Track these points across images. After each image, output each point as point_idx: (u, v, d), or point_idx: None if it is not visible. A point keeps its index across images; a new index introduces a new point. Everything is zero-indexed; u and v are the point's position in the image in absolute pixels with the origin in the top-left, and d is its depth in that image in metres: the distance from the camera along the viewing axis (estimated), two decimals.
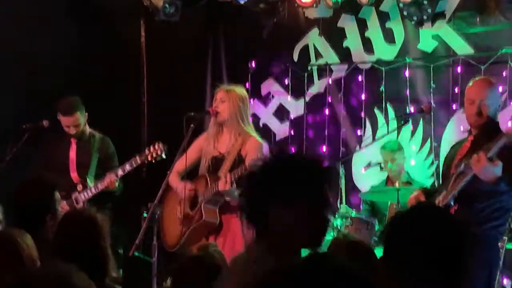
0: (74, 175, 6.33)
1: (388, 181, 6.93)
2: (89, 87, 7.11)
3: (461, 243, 2.62)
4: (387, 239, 2.66)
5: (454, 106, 7.09)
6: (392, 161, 6.84)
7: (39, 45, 7.14)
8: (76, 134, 6.36)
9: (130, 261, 5.95)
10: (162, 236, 5.93)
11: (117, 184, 6.22)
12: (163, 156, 5.96)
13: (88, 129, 6.44)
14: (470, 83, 5.14)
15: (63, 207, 6.08)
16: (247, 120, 5.79)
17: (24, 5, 7.21)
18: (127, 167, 6.12)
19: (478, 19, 7.04)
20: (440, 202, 4.94)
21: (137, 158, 6.09)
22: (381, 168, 7.32)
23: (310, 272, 1.77)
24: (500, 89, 6.82)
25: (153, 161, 6.04)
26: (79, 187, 6.24)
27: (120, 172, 6.15)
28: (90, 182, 6.25)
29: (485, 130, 4.99)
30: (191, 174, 5.92)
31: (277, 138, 7.78)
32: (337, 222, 6.28)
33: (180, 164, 5.81)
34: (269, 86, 7.91)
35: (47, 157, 6.40)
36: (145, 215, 5.92)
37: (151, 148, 6.05)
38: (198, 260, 3.69)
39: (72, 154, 6.37)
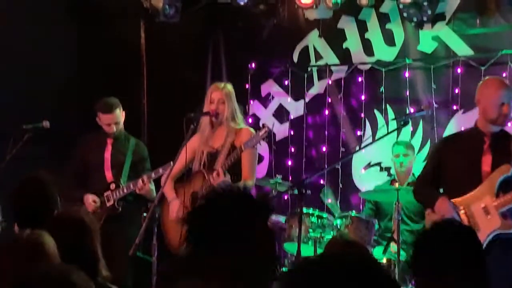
0: (108, 175, 6.44)
1: (393, 181, 6.90)
2: (89, 88, 7.12)
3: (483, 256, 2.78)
4: (415, 258, 2.76)
5: (454, 107, 7.10)
6: (405, 155, 6.83)
7: (39, 45, 7.14)
8: (116, 132, 6.44)
9: (130, 260, 5.96)
10: (166, 239, 5.93)
11: (152, 187, 6.31)
12: None
13: (124, 131, 6.54)
14: (493, 82, 5.16)
15: (94, 200, 6.24)
16: (238, 114, 5.88)
17: (24, 5, 7.22)
18: (160, 171, 6.17)
19: (478, 20, 7.05)
20: (491, 207, 4.90)
21: (171, 163, 6.12)
22: (381, 169, 7.33)
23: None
24: None
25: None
26: (112, 185, 6.38)
27: (152, 175, 6.23)
28: (123, 182, 6.36)
29: (502, 133, 5.03)
30: (183, 176, 5.96)
31: (277, 138, 7.78)
32: (337, 221, 6.28)
33: (175, 170, 5.84)
34: (269, 87, 7.91)
35: (84, 157, 6.50)
36: (145, 215, 5.94)
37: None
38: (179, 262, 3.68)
39: (107, 154, 6.49)
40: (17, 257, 3.19)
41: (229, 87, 5.92)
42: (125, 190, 6.32)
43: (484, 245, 4.88)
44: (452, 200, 5.03)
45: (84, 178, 6.47)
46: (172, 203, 5.89)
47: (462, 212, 5.01)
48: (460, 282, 2.67)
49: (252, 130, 5.91)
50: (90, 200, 6.31)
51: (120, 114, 6.45)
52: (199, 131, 5.94)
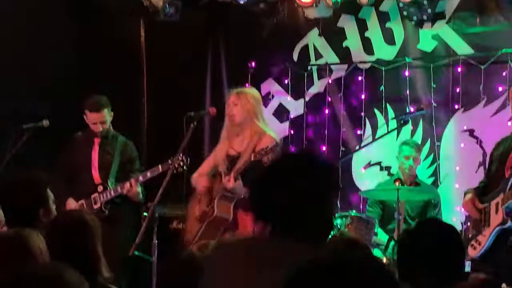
0: (96, 175, 6.40)
1: (396, 181, 6.86)
2: (89, 87, 7.11)
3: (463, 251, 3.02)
4: (398, 256, 2.99)
5: (454, 106, 7.10)
6: (415, 159, 6.76)
7: (39, 45, 7.14)
8: (102, 132, 6.42)
9: (130, 260, 5.97)
10: (184, 234, 5.98)
11: (139, 189, 6.28)
12: (185, 168, 5.96)
13: (112, 130, 6.50)
14: None
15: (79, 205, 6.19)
16: (262, 118, 5.92)
17: (24, 5, 7.21)
18: (148, 174, 6.16)
19: (478, 19, 7.05)
20: (500, 204, 4.95)
21: (159, 167, 6.11)
22: (381, 168, 7.31)
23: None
24: (500, 89, 6.87)
25: (175, 171, 6.03)
26: (100, 188, 6.33)
27: (140, 178, 6.21)
28: (110, 184, 6.33)
29: None
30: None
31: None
32: (337, 221, 6.28)
33: (205, 167, 5.88)
34: (269, 86, 7.90)
35: (72, 157, 6.47)
36: (145, 214, 5.94)
37: (174, 159, 6.07)
38: (178, 261, 3.68)
39: (94, 154, 6.45)
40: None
41: (249, 91, 5.99)
42: (112, 193, 6.28)
43: (490, 241, 4.99)
44: (484, 197, 5.16)
45: (72, 179, 6.41)
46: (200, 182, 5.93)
47: (482, 208, 5.13)
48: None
49: (274, 136, 5.93)
50: (73, 206, 6.24)
51: (108, 114, 6.40)
52: (223, 132, 6.00)
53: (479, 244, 5.06)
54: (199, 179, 5.97)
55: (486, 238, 5.03)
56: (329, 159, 2.78)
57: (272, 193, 2.58)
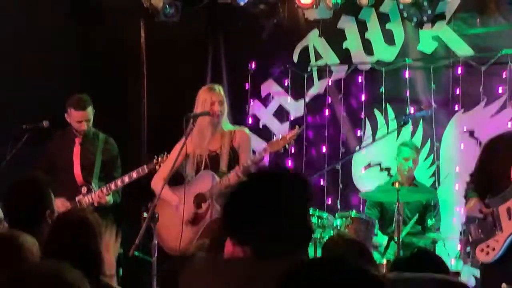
0: (78, 176, 6.31)
1: (395, 184, 6.85)
2: (89, 88, 7.11)
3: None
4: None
5: (454, 107, 7.10)
6: (414, 161, 6.76)
7: (39, 45, 7.15)
8: (86, 130, 6.34)
9: (130, 261, 5.96)
10: (162, 242, 5.83)
11: (108, 198, 6.23)
12: None
13: (92, 128, 6.45)
14: None
15: (63, 205, 6.11)
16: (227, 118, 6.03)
17: (24, 5, 7.22)
18: (134, 175, 6.12)
19: (478, 20, 7.06)
20: (511, 208, 4.89)
21: (145, 167, 6.08)
22: (381, 169, 7.31)
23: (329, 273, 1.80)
24: (500, 90, 6.88)
25: None
26: (83, 189, 6.24)
27: (126, 179, 6.17)
28: (95, 186, 6.25)
29: None
30: (173, 179, 5.92)
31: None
32: (337, 221, 6.27)
33: (165, 170, 5.80)
34: (269, 87, 7.90)
35: (51, 157, 6.40)
36: (145, 215, 5.92)
37: (159, 159, 6.05)
38: (185, 261, 3.67)
39: (76, 154, 6.36)
40: None
41: (222, 89, 6.01)
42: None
43: (504, 248, 4.92)
44: (487, 199, 5.07)
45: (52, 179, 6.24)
46: (180, 207, 5.83)
47: (489, 212, 5.05)
48: None
49: (247, 131, 5.97)
50: (60, 204, 5.98)
51: (91, 112, 6.34)
52: (194, 134, 5.88)
53: (493, 249, 4.96)
54: (159, 183, 5.82)
55: (500, 244, 4.92)
56: (295, 171, 2.66)
57: (243, 220, 2.55)
